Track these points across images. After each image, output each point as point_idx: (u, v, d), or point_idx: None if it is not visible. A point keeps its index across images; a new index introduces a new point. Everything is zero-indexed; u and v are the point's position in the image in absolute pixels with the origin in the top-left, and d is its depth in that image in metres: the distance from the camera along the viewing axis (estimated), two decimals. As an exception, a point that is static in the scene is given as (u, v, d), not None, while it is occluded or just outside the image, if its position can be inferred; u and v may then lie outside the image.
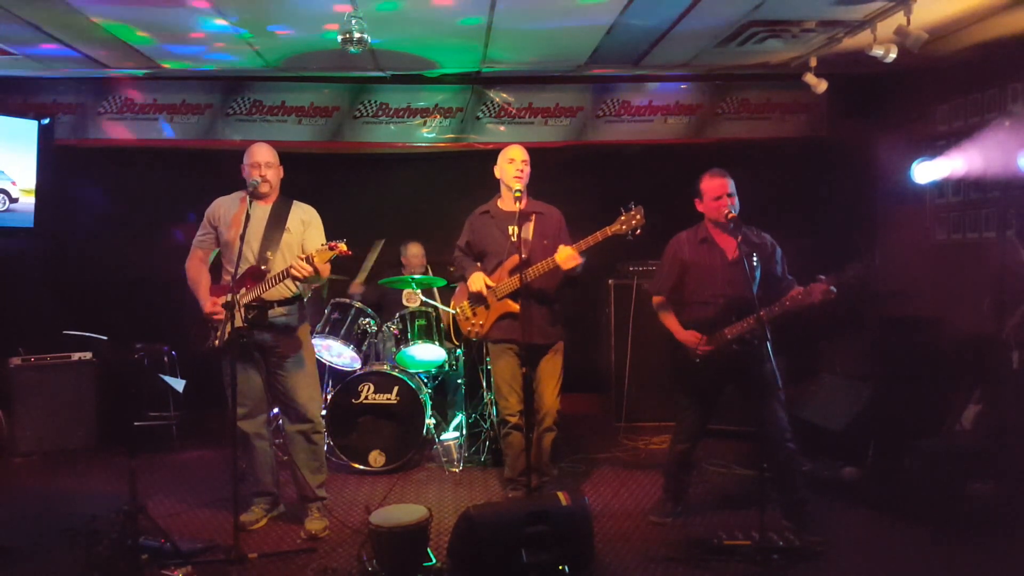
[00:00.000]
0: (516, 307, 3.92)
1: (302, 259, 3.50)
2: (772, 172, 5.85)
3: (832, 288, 3.56)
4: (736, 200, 3.78)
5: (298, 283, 3.82)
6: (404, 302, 5.15)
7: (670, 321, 3.90)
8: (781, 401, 3.77)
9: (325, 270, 3.70)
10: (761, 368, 3.71)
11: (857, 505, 4.11)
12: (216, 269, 3.97)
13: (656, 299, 3.99)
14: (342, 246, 3.48)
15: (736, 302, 3.71)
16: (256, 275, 3.68)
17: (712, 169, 3.86)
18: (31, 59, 5.15)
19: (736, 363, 3.73)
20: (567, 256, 3.76)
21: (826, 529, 3.76)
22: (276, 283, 3.69)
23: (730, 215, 3.67)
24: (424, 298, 5.14)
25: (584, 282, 4.20)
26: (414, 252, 5.77)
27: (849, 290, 3.59)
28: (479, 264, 4.14)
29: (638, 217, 3.69)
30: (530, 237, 3.98)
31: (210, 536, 3.76)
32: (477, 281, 4.01)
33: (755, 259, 3.69)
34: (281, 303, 3.80)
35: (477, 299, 4.10)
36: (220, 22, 4.40)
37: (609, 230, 3.74)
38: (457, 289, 4.36)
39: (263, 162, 3.80)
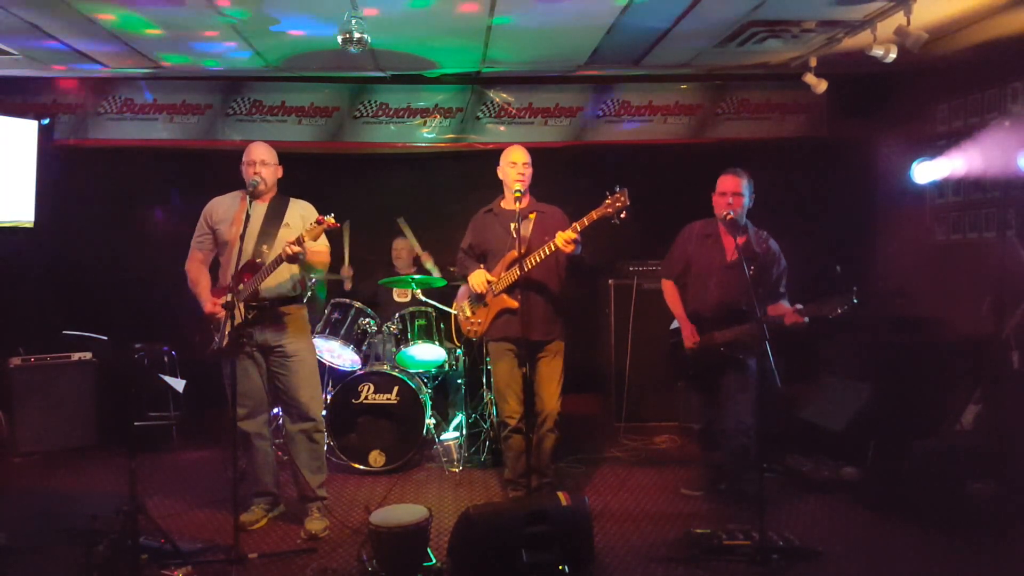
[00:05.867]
0: (514, 303, 3.91)
1: (292, 241, 3.51)
2: (772, 172, 5.79)
3: (805, 320, 3.67)
4: (743, 202, 3.78)
5: (300, 273, 3.85)
6: (395, 298, 5.17)
7: (675, 305, 3.96)
8: (752, 404, 3.86)
9: (320, 255, 3.77)
10: (742, 371, 3.80)
11: (857, 505, 4.11)
12: (215, 270, 3.97)
13: (664, 282, 4.04)
14: (330, 219, 3.48)
15: (728, 306, 3.74)
16: (252, 268, 3.68)
17: (734, 167, 3.94)
18: (31, 59, 5.14)
19: (724, 362, 3.83)
20: (565, 238, 3.70)
21: (826, 529, 3.76)
22: (271, 271, 3.65)
23: (727, 216, 3.70)
24: (423, 298, 5.15)
25: (584, 282, 4.20)
26: (400, 246, 5.76)
27: (828, 319, 3.65)
28: (482, 265, 4.12)
29: (622, 199, 3.61)
30: (529, 234, 3.97)
31: (210, 536, 3.76)
32: (478, 277, 3.99)
33: (749, 268, 3.62)
34: (282, 303, 3.80)
35: (478, 299, 4.09)
36: (220, 22, 4.39)
37: (595, 213, 3.68)
38: (459, 291, 4.36)
39: (258, 160, 3.80)
